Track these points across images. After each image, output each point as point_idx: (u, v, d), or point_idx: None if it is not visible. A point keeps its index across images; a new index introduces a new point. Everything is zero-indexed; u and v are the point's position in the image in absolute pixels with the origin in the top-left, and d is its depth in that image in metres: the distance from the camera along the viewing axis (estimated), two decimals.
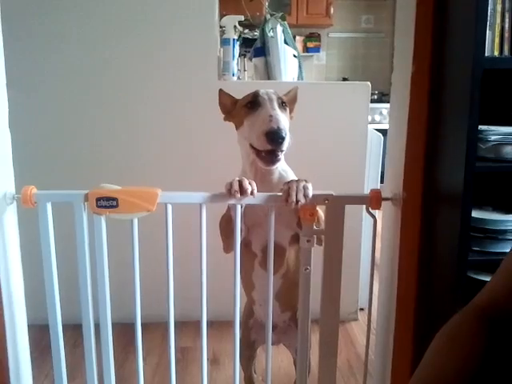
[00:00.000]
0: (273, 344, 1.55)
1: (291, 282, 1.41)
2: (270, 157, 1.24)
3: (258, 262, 1.42)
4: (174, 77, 2.18)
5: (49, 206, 1.32)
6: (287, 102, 1.35)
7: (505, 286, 0.76)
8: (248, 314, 1.57)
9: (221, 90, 1.41)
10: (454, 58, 1.24)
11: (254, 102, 1.28)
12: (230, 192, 1.24)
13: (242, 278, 1.44)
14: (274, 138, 1.19)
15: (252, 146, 1.28)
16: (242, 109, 1.32)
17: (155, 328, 2.21)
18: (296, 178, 1.33)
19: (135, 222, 1.32)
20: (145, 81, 2.18)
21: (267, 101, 1.27)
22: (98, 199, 1.27)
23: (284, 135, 1.19)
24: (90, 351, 1.40)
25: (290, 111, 1.39)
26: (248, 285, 1.48)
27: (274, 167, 1.29)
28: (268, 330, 1.38)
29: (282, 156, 1.25)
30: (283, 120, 1.23)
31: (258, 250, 1.40)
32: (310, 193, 1.24)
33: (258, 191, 1.27)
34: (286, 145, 1.22)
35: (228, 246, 1.38)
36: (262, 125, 1.22)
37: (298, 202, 1.22)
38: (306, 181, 1.26)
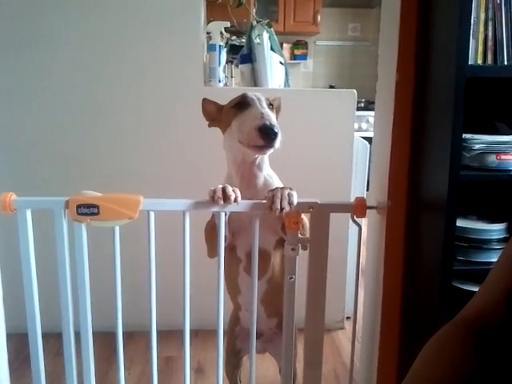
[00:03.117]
0: (258, 352, 1.54)
1: (277, 287, 1.40)
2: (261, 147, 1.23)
3: (242, 267, 1.40)
4: (160, 82, 2.16)
5: (28, 213, 1.30)
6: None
7: (492, 297, 0.75)
8: (234, 321, 1.56)
9: (204, 99, 1.41)
10: (437, 67, 1.24)
11: (242, 103, 1.29)
12: (213, 199, 1.23)
13: (227, 283, 1.42)
14: (268, 132, 1.19)
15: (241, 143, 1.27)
16: (229, 111, 1.33)
17: (139, 337, 2.18)
18: (281, 185, 1.33)
19: (117, 229, 1.30)
20: (130, 86, 2.16)
21: (256, 101, 1.29)
22: (78, 206, 1.25)
23: (277, 131, 1.20)
24: (70, 360, 1.37)
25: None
26: (233, 290, 1.46)
27: (267, 153, 1.28)
28: (252, 336, 1.37)
29: (276, 143, 1.22)
30: (274, 118, 1.25)
31: (243, 255, 1.39)
32: (295, 200, 1.23)
33: (243, 195, 1.26)
34: (278, 142, 1.21)
35: (212, 251, 1.36)
36: (253, 121, 1.22)
37: (282, 209, 1.21)
38: (290, 188, 1.25)
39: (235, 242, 1.40)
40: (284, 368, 1.41)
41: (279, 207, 1.21)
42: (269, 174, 1.38)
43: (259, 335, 1.45)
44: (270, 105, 1.33)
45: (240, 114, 1.28)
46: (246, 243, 1.36)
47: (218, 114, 1.39)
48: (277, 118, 1.40)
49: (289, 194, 1.23)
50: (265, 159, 1.36)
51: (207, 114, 1.41)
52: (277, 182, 1.37)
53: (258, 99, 1.29)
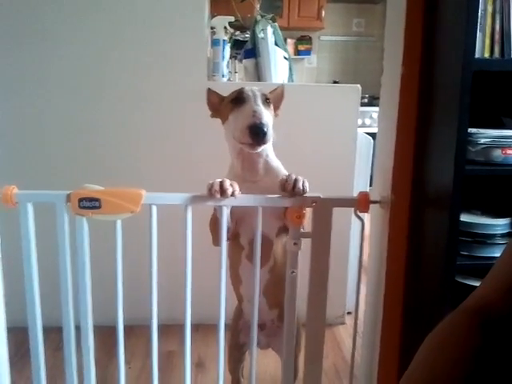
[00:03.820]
0: (262, 348, 1.55)
1: (279, 277, 1.39)
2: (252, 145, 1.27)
3: (244, 255, 1.40)
4: (163, 77, 2.15)
5: (30, 207, 1.29)
6: (272, 99, 1.37)
7: (497, 287, 0.75)
8: (237, 315, 1.56)
9: (209, 89, 1.43)
10: (443, 60, 1.22)
11: (238, 98, 1.31)
12: (210, 192, 1.24)
13: (229, 272, 1.43)
14: (257, 131, 1.22)
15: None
16: (227, 104, 1.35)
17: (140, 331, 2.17)
18: (285, 171, 1.37)
19: (119, 223, 1.29)
20: (133, 80, 2.15)
21: (251, 97, 1.30)
22: (80, 200, 1.25)
23: (266, 130, 1.22)
24: (70, 354, 1.37)
25: (276, 109, 1.42)
26: (235, 279, 1.46)
27: (259, 150, 1.30)
28: (253, 327, 1.37)
29: (265, 141, 1.25)
30: (266, 115, 1.26)
31: (245, 243, 1.39)
32: (307, 187, 1.26)
33: (246, 183, 1.29)
34: (268, 139, 1.24)
35: (216, 239, 1.37)
36: (245, 119, 1.25)
37: (296, 188, 1.24)
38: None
39: (239, 229, 1.40)
40: (285, 363, 1.40)
41: (292, 184, 1.24)
42: (271, 158, 1.39)
43: (262, 327, 1.45)
44: (267, 100, 1.33)
45: (236, 109, 1.30)
46: (250, 230, 1.36)
47: (219, 106, 1.40)
48: (278, 108, 1.43)
49: (303, 181, 1.26)
50: (267, 146, 1.36)
51: (210, 104, 1.43)
52: (281, 168, 1.39)
53: (254, 95, 1.30)
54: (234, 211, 1.37)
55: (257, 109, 1.26)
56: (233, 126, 1.30)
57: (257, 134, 1.22)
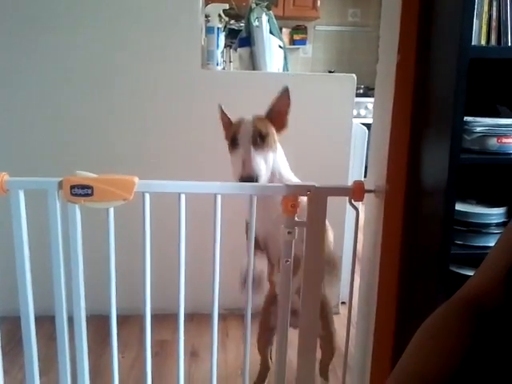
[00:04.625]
0: (293, 326, 1.55)
1: None
2: None
3: (277, 270, 1.46)
4: (157, 65, 2.13)
5: (21, 194, 1.28)
6: (274, 115, 1.40)
7: (491, 277, 0.75)
8: (270, 301, 1.62)
9: (220, 107, 1.45)
10: (439, 48, 1.21)
11: (233, 141, 1.36)
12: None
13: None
14: (247, 181, 1.29)
15: None
16: (228, 140, 1.39)
17: (134, 321, 2.17)
18: (294, 179, 1.42)
19: (111, 210, 1.28)
20: (126, 68, 2.13)
21: (244, 140, 1.33)
22: (72, 187, 1.23)
23: (255, 179, 1.29)
24: (62, 344, 1.36)
25: (282, 126, 1.43)
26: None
27: None
28: (247, 325, 1.36)
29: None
30: (256, 161, 1.31)
31: (276, 262, 1.45)
32: None
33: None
34: (260, 181, 1.31)
35: None
36: (237, 168, 1.32)
37: None
38: None
39: (267, 251, 1.47)
40: (278, 351, 1.40)
41: None
42: (282, 173, 1.41)
43: (293, 312, 1.47)
44: (261, 135, 1.34)
45: (232, 151, 1.36)
46: (276, 252, 1.41)
47: (228, 129, 1.43)
48: (285, 123, 1.43)
49: None
50: (277, 159, 1.41)
51: (222, 123, 1.46)
52: (291, 179, 1.42)
53: (247, 137, 1.33)
54: (258, 234, 1.40)
55: (247, 157, 1.30)
56: (232, 167, 1.35)
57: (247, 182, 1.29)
